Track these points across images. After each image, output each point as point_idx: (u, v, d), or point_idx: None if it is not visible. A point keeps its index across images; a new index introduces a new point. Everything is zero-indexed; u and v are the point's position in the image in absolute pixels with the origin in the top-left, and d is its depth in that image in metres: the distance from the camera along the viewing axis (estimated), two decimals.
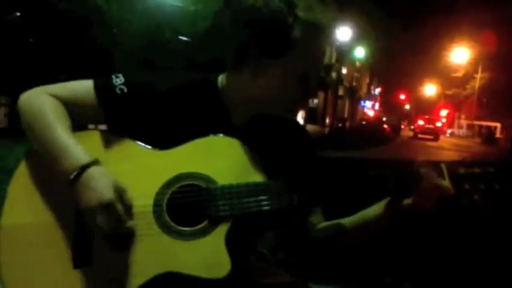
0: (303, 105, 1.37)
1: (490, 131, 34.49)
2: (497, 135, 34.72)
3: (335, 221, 1.48)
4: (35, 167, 1.32)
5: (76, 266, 1.26)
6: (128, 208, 1.23)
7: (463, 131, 47.18)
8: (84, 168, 1.21)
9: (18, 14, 12.63)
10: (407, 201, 1.35)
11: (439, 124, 41.38)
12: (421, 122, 40.29)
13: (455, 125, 51.99)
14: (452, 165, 1.31)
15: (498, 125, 38.81)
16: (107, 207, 1.18)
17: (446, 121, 54.88)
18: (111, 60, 12.38)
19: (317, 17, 1.27)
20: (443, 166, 1.30)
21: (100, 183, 1.19)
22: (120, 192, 1.21)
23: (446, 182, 1.29)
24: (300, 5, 1.26)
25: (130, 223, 1.23)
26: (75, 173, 1.20)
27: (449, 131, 44.92)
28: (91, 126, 1.44)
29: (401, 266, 3.29)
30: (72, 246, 1.27)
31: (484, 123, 41.47)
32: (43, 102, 1.30)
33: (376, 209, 1.41)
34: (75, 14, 11.70)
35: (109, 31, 12.70)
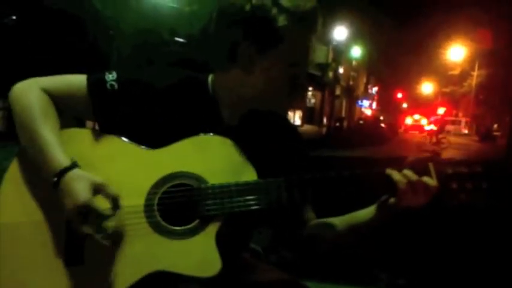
0: (294, 99, 1.38)
1: (488, 128, 34.53)
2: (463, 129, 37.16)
3: (327, 220, 1.48)
4: (26, 166, 1.33)
5: (68, 264, 1.28)
6: (115, 200, 1.23)
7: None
8: (62, 173, 1.22)
9: (14, 17, 12.62)
10: (394, 201, 1.32)
11: (423, 122, 53.15)
12: (409, 121, 53.26)
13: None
14: (439, 164, 1.31)
15: (463, 119, 43.98)
16: (84, 209, 1.19)
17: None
18: (108, 63, 12.37)
19: (299, 4, 1.28)
20: (430, 165, 1.30)
21: (76, 187, 1.20)
22: (100, 188, 1.21)
23: (429, 179, 1.28)
24: None
25: (116, 217, 1.23)
26: (55, 178, 1.22)
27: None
28: (89, 123, 1.45)
29: (395, 262, 3.30)
30: (64, 245, 1.28)
31: (449, 118, 46.59)
32: (31, 97, 1.31)
33: (367, 211, 1.40)
34: (71, 17, 11.69)
35: (106, 33, 12.69)
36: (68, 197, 1.20)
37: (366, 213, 1.41)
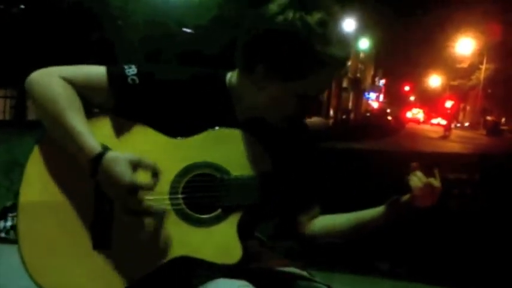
0: (297, 119, 1.42)
1: (495, 122, 34.32)
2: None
3: (330, 220, 1.54)
4: (50, 152, 1.34)
5: (95, 247, 1.32)
6: (154, 169, 1.25)
7: None
8: (97, 160, 1.23)
9: (22, 6, 12.68)
10: (405, 200, 1.39)
11: (419, 116, 61.61)
12: (409, 115, 57.82)
13: None
14: (442, 170, 1.38)
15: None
16: (132, 189, 1.22)
17: (451, 112, 55.33)
18: (116, 53, 12.41)
19: (333, 52, 1.28)
20: (436, 172, 1.37)
21: (116, 170, 1.22)
22: (137, 163, 1.24)
23: (436, 181, 1.35)
24: (321, 40, 1.26)
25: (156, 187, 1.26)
26: (91, 167, 1.24)
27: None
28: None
29: (395, 252, 3.34)
30: (92, 227, 1.32)
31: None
32: (55, 86, 1.30)
33: (374, 211, 1.45)
34: (80, 6, 11.74)
35: (114, 23, 12.73)
36: (111, 181, 1.22)
37: (373, 212, 1.45)
